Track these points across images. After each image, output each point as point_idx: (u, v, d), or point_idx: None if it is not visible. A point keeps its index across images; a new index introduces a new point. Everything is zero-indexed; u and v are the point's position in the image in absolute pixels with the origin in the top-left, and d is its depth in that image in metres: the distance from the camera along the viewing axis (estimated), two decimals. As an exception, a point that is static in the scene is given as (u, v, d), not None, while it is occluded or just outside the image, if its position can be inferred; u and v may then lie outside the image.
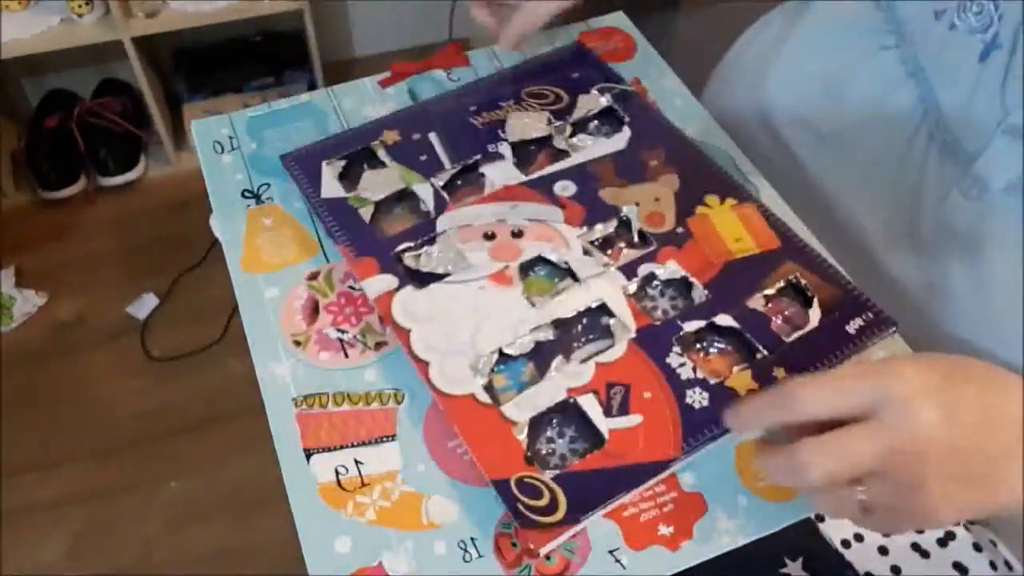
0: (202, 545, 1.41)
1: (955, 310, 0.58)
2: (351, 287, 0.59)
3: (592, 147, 0.65)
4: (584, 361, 0.53)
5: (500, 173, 0.63)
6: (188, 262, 1.75)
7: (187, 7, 1.69)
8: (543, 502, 0.47)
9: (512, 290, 0.56)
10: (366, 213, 0.61)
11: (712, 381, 0.51)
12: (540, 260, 0.58)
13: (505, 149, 0.64)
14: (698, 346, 0.55)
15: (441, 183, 0.63)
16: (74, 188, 1.86)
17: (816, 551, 0.54)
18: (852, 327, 0.53)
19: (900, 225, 0.61)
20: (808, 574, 0.53)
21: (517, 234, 0.59)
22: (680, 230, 0.59)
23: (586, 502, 0.47)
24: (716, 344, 0.55)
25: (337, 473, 0.50)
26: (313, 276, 0.60)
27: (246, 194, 0.65)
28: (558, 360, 0.53)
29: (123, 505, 1.46)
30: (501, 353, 0.53)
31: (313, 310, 0.58)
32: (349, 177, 0.64)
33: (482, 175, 0.64)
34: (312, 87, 1.96)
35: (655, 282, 0.58)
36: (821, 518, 0.57)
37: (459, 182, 0.64)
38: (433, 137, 0.65)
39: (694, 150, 0.65)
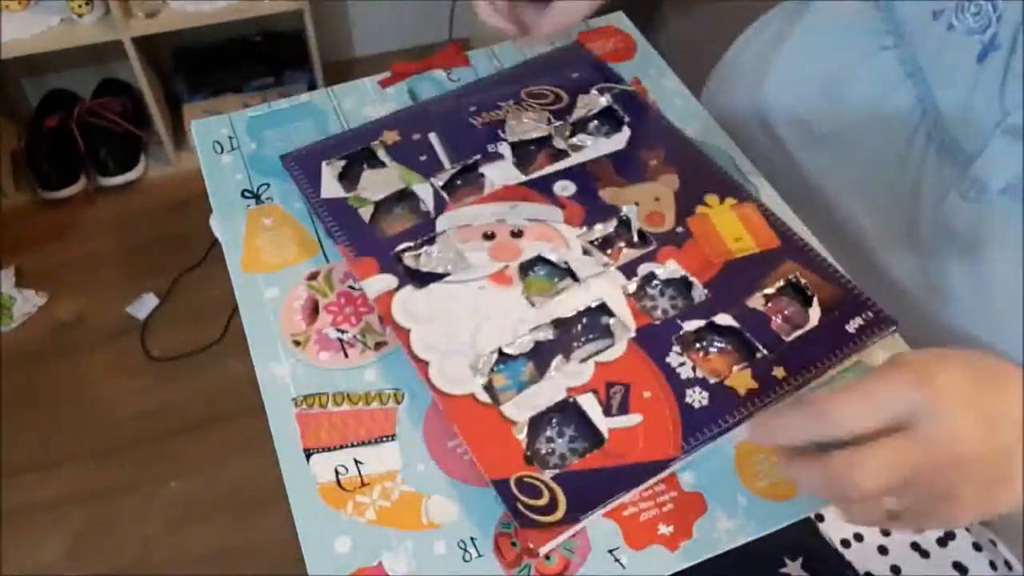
0: (202, 545, 1.41)
1: (954, 310, 0.58)
2: (351, 287, 0.59)
3: (592, 147, 0.65)
4: (584, 361, 0.53)
5: (500, 173, 0.63)
6: (188, 262, 1.75)
7: (187, 7, 1.69)
8: (543, 502, 0.47)
9: (512, 290, 0.56)
10: (366, 213, 0.61)
11: (712, 380, 0.51)
12: (540, 260, 0.58)
13: (505, 149, 0.64)
14: (698, 345, 0.55)
15: (441, 183, 0.63)
16: (74, 188, 1.86)
17: (816, 551, 0.54)
18: (852, 326, 0.53)
19: (899, 225, 0.61)
20: (808, 574, 0.53)
21: (517, 234, 0.59)
22: (680, 230, 0.59)
23: (586, 502, 0.47)
24: (716, 343, 0.55)
25: (337, 473, 0.50)
26: (313, 276, 0.60)
27: (246, 194, 0.65)
28: (558, 360, 0.53)
29: (123, 505, 1.46)
30: (501, 353, 0.53)
31: (313, 310, 0.58)
32: (349, 177, 0.64)
33: (482, 175, 0.64)
34: (312, 87, 1.96)
35: (655, 282, 0.58)
36: (821, 518, 0.57)
37: (459, 182, 0.64)
38: (433, 137, 0.65)
39: (694, 150, 0.65)
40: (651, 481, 0.48)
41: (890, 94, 0.59)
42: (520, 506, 0.46)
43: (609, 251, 0.59)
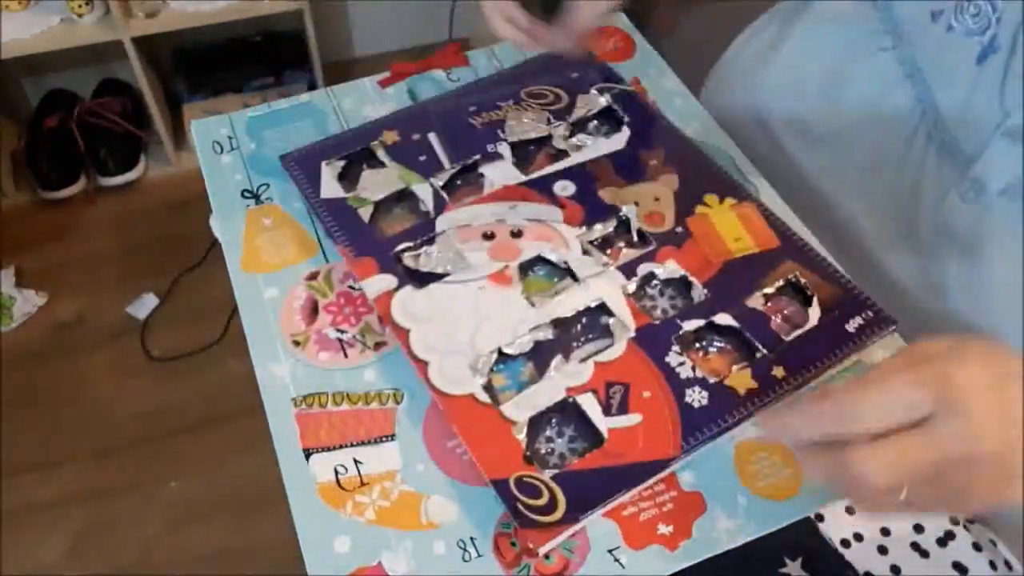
0: (202, 545, 1.41)
1: (954, 310, 0.58)
2: (350, 287, 0.59)
3: (591, 147, 0.65)
4: (583, 360, 0.53)
5: (499, 173, 0.63)
6: (188, 262, 1.75)
7: (187, 7, 1.69)
8: (542, 501, 0.47)
9: (511, 290, 0.56)
10: (365, 213, 0.61)
11: (711, 380, 0.51)
12: (539, 260, 0.58)
13: (504, 149, 0.64)
14: (697, 345, 0.55)
15: (440, 183, 0.63)
16: (74, 188, 1.86)
17: (816, 551, 0.54)
18: (852, 326, 0.53)
19: (898, 225, 0.61)
20: (808, 574, 0.53)
21: (516, 234, 0.59)
22: (679, 229, 0.59)
23: (585, 501, 0.47)
24: (715, 343, 0.55)
25: (336, 473, 0.50)
26: (312, 276, 0.60)
27: (246, 194, 0.65)
28: (557, 360, 0.53)
29: (123, 505, 1.46)
30: (500, 353, 0.53)
31: (312, 310, 0.58)
32: (348, 177, 0.64)
33: (481, 175, 0.64)
34: (312, 87, 1.96)
35: (654, 281, 0.58)
36: (821, 518, 0.57)
37: (458, 182, 0.64)
38: (432, 137, 0.65)
39: (693, 150, 0.65)
40: (651, 481, 0.48)
41: (889, 94, 0.59)
42: (520, 506, 0.46)
43: (609, 251, 0.59)
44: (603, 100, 0.68)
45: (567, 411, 0.51)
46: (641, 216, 0.60)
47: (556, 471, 0.48)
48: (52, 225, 1.85)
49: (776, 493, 0.49)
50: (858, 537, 0.54)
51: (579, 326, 0.55)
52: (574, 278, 0.57)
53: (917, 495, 0.39)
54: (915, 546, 0.54)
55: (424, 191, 0.62)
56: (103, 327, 1.69)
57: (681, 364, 0.52)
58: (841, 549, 0.54)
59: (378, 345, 0.56)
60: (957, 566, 0.54)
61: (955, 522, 0.56)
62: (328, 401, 0.53)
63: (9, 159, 1.90)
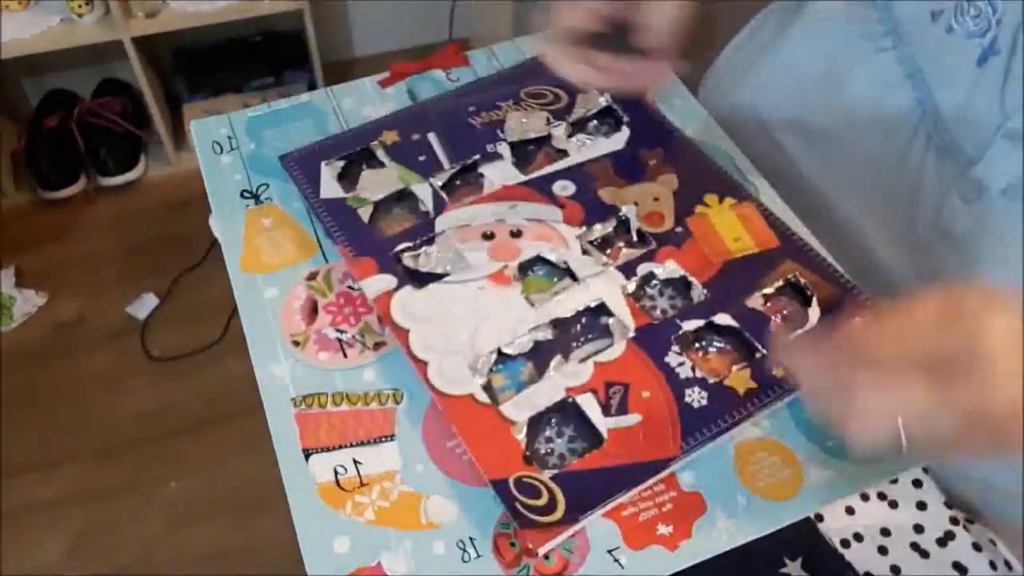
0: (202, 545, 1.41)
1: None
2: (350, 287, 0.59)
3: (591, 147, 0.65)
4: (583, 361, 0.53)
5: (499, 173, 0.63)
6: (188, 262, 1.75)
7: (187, 7, 1.69)
8: (542, 502, 0.47)
9: (511, 290, 0.56)
10: (365, 213, 0.61)
11: (711, 380, 0.51)
12: (539, 260, 0.58)
13: (504, 149, 0.64)
14: (697, 345, 0.54)
15: (440, 183, 0.63)
16: (74, 188, 1.86)
17: (816, 551, 0.54)
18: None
19: (898, 225, 0.61)
20: (808, 574, 0.53)
21: (516, 234, 0.59)
22: (679, 229, 0.59)
23: (585, 502, 0.47)
24: (715, 343, 0.55)
25: (336, 473, 0.50)
26: (312, 276, 0.60)
27: (245, 194, 0.65)
28: (557, 360, 0.53)
29: (123, 505, 1.46)
30: (500, 353, 0.53)
31: (312, 310, 0.58)
32: (348, 177, 0.64)
33: (481, 175, 0.64)
34: (312, 87, 1.96)
35: (654, 281, 0.58)
36: (821, 518, 0.57)
37: (458, 182, 0.64)
38: (432, 137, 0.65)
39: (693, 150, 0.65)
40: (650, 481, 0.48)
41: (889, 95, 0.59)
42: (519, 506, 0.46)
43: (608, 251, 0.59)
44: (603, 100, 0.68)
45: (567, 411, 0.51)
46: (641, 216, 0.60)
47: (555, 471, 0.48)
48: (52, 225, 1.85)
49: (776, 493, 0.49)
50: (858, 537, 0.54)
51: (579, 326, 0.55)
52: (574, 278, 0.57)
53: (916, 444, 0.38)
54: (915, 546, 0.54)
55: (424, 191, 0.62)
56: (103, 327, 1.69)
57: (681, 364, 0.52)
58: (841, 549, 0.54)
59: (378, 345, 0.56)
60: (957, 566, 0.54)
61: (955, 522, 0.56)
62: (328, 401, 0.53)
63: (9, 159, 1.90)
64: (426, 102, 0.69)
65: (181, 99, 1.95)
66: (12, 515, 1.44)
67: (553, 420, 0.51)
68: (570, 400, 0.51)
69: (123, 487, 1.48)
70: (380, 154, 0.65)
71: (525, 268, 0.58)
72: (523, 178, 0.63)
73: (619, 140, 0.65)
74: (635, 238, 0.60)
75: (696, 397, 0.51)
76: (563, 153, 0.65)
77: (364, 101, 0.71)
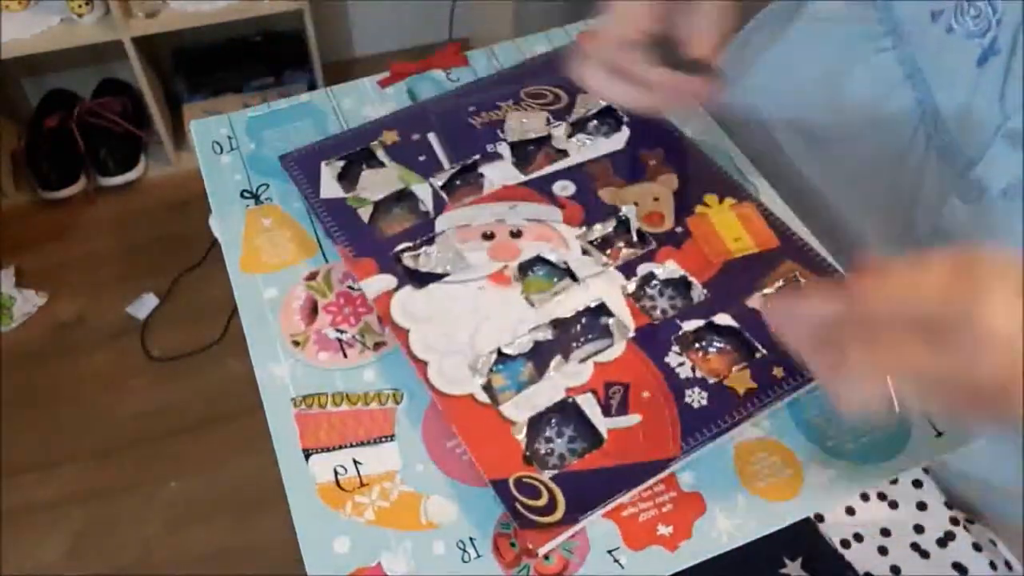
0: (202, 545, 1.41)
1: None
2: (350, 287, 0.59)
3: (591, 147, 0.65)
4: (583, 361, 0.53)
5: (499, 173, 0.63)
6: (188, 262, 1.75)
7: (187, 7, 1.69)
8: (542, 502, 0.47)
9: (511, 290, 0.56)
10: (365, 213, 0.61)
11: (711, 380, 0.51)
12: (539, 260, 0.58)
13: (504, 149, 0.64)
14: (697, 345, 0.54)
15: (440, 183, 0.63)
16: (74, 188, 1.86)
17: (816, 551, 0.54)
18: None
19: (898, 226, 0.61)
20: (808, 574, 0.53)
21: (516, 234, 0.59)
22: (679, 229, 0.59)
23: (585, 502, 0.47)
24: (715, 343, 0.55)
25: (336, 473, 0.50)
26: (312, 276, 0.60)
27: (245, 194, 0.65)
28: (557, 360, 0.53)
29: (123, 505, 1.46)
30: (500, 353, 0.53)
31: (312, 310, 0.58)
32: (348, 177, 0.64)
33: (481, 175, 0.64)
34: (312, 87, 1.96)
35: (654, 281, 0.58)
36: (821, 518, 0.57)
37: (458, 182, 0.64)
38: (432, 137, 0.65)
39: (693, 149, 0.65)
40: (650, 481, 0.48)
41: (889, 96, 0.59)
42: (519, 506, 0.46)
43: (608, 251, 0.59)
44: (603, 100, 0.68)
45: (566, 411, 0.51)
46: (641, 216, 0.60)
47: (555, 471, 0.48)
48: (52, 225, 1.85)
49: (776, 493, 0.49)
50: (858, 537, 0.54)
51: (579, 326, 0.55)
52: (574, 278, 0.57)
53: (905, 404, 0.37)
54: (915, 546, 0.54)
55: (424, 191, 0.62)
56: (103, 327, 1.69)
57: (681, 364, 0.52)
58: (841, 549, 0.54)
59: (378, 345, 0.56)
60: (957, 566, 0.54)
61: (955, 522, 0.56)
62: (328, 401, 0.53)
63: (9, 159, 1.90)
64: (426, 102, 0.69)
65: (181, 99, 1.95)
66: (12, 515, 1.44)
67: (553, 420, 0.51)
68: (570, 400, 0.51)
69: (123, 487, 1.48)
70: (380, 154, 0.65)
71: (525, 268, 0.58)
72: (523, 178, 0.63)
73: (619, 140, 0.65)
74: (635, 238, 0.60)
75: (696, 397, 0.51)
76: (563, 153, 0.65)
77: (364, 101, 0.71)
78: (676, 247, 0.58)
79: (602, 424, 0.50)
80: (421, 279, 0.57)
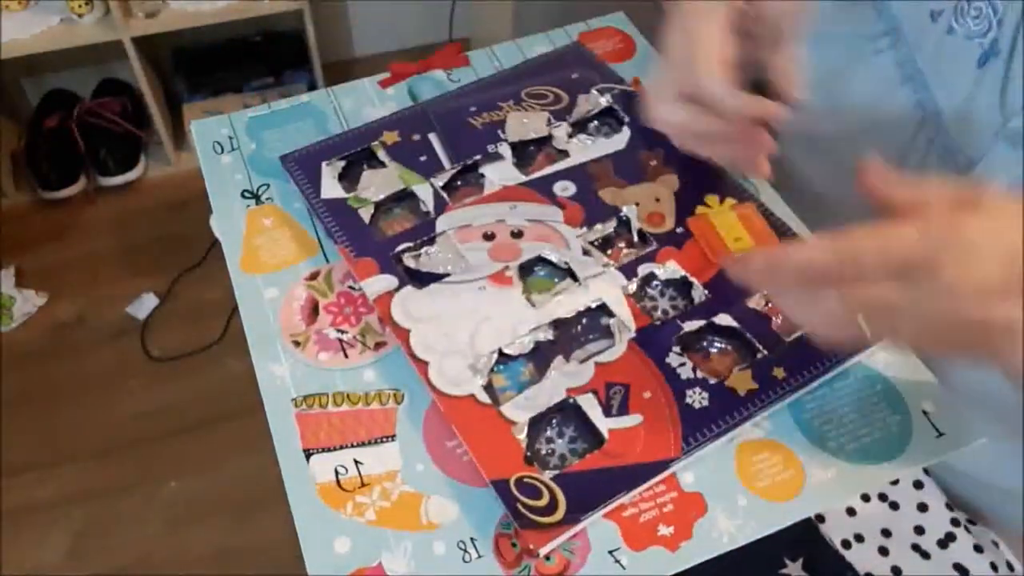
0: (202, 545, 1.41)
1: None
2: (351, 287, 0.59)
3: (592, 147, 0.65)
4: (584, 361, 0.53)
5: (500, 173, 0.63)
6: (188, 262, 1.75)
7: (187, 7, 1.69)
8: (543, 502, 0.47)
9: (512, 290, 0.56)
10: (366, 214, 0.61)
11: (712, 381, 0.51)
12: (540, 260, 0.58)
13: (505, 149, 0.64)
14: (698, 346, 0.54)
15: (441, 183, 0.63)
16: (74, 188, 1.86)
17: (816, 551, 0.54)
18: (852, 327, 0.53)
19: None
20: (808, 574, 0.53)
21: (517, 234, 0.59)
22: (680, 230, 0.59)
23: (586, 502, 0.47)
24: (716, 344, 0.55)
25: (337, 473, 0.50)
26: (312, 276, 0.60)
27: (246, 194, 0.65)
28: (558, 360, 0.53)
29: (123, 505, 1.46)
30: (501, 353, 0.53)
31: (312, 310, 0.58)
32: (349, 178, 0.64)
33: (482, 175, 0.64)
34: (312, 87, 1.96)
35: (655, 282, 0.58)
36: (821, 518, 0.57)
37: (459, 182, 0.64)
38: (433, 138, 0.65)
39: (694, 150, 0.65)
40: (651, 482, 0.48)
41: (889, 97, 0.59)
42: (520, 507, 0.46)
43: (609, 251, 0.59)
44: (603, 100, 0.68)
45: (567, 412, 0.51)
46: (641, 216, 0.60)
47: (556, 472, 0.48)
48: (52, 225, 1.85)
49: (777, 494, 0.49)
50: (859, 538, 0.54)
51: (579, 327, 0.55)
52: (574, 279, 0.57)
53: (879, 338, 0.39)
54: (916, 547, 0.54)
55: (424, 191, 0.62)
56: (103, 327, 1.69)
57: (682, 365, 0.52)
58: (842, 550, 0.54)
59: (378, 345, 0.56)
60: (958, 567, 0.54)
61: (956, 523, 0.56)
62: (328, 402, 0.53)
63: (9, 159, 1.90)
64: (427, 102, 0.69)
65: (181, 99, 1.96)
66: (12, 515, 1.44)
67: (554, 420, 0.51)
68: (571, 401, 0.51)
69: (123, 487, 1.48)
70: (381, 154, 0.65)
71: (526, 268, 0.58)
72: (524, 178, 0.63)
73: (620, 141, 0.65)
74: (636, 238, 0.60)
75: (697, 398, 0.51)
76: (564, 154, 0.65)
77: (364, 101, 0.71)
78: (677, 247, 0.58)
79: (603, 424, 0.50)
80: (422, 279, 0.57)
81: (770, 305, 0.56)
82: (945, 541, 0.55)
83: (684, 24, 0.51)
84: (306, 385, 0.54)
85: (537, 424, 0.50)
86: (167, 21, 1.70)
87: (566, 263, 0.58)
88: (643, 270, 0.57)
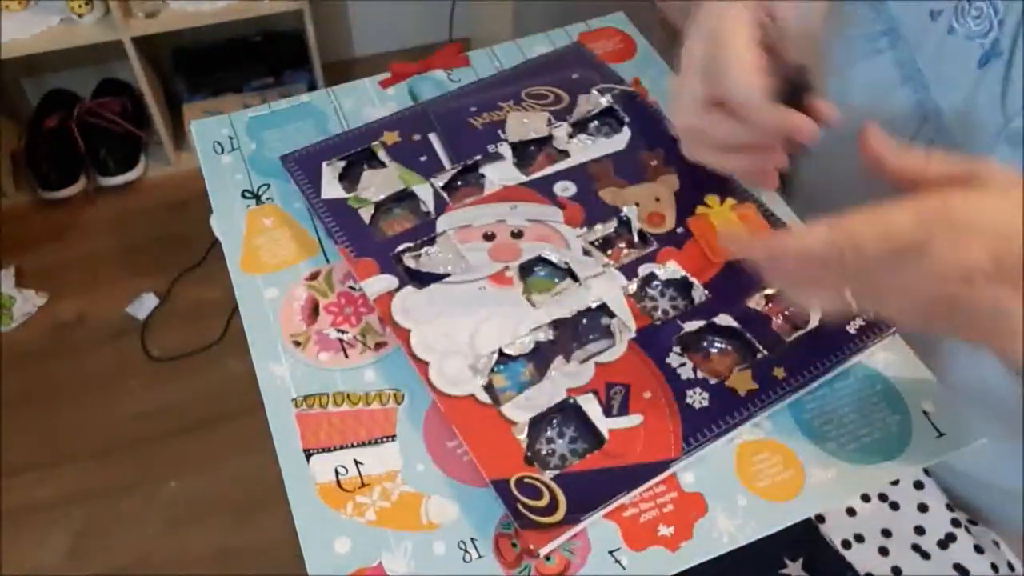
0: (202, 545, 1.41)
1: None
2: (351, 287, 0.59)
3: (592, 147, 0.65)
4: (584, 361, 0.53)
5: (500, 174, 0.63)
6: (188, 262, 1.75)
7: (187, 7, 1.69)
8: (543, 502, 0.47)
9: (512, 290, 0.56)
10: (366, 214, 0.61)
11: (712, 381, 0.51)
12: (540, 260, 0.58)
13: (505, 150, 0.64)
14: (698, 346, 0.54)
15: (441, 184, 0.63)
16: (74, 188, 1.86)
17: (816, 551, 0.54)
18: (852, 327, 0.53)
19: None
20: (808, 574, 0.53)
21: (517, 234, 0.59)
22: (680, 230, 0.59)
23: (586, 502, 0.47)
24: (716, 344, 0.55)
25: (337, 473, 0.50)
26: (313, 276, 0.60)
27: (246, 194, 0.65)
28: (558, 360, 0.53)
29: (123, 505, 1.46)
30: (501, 353, 0.53)
31: (313, 310, 0.58)
32: (349, 178, 0.64)
33: (482, 176, 0.64)
34: (312, 87, 1.96)
35: (655, 282, 0.58)
36: (821, 519, 0.57)
37: (459, 183, 0.64)
38: (433, 138, 0.65)
39: (694, 150, 0.65)
40: (651, 482, 0.48)
41: (889, 97, 0.59)
42: (520, 507, 0.46)
43: (609, 251, 0.59)
44: (604, 100, 0.68)
45: (567, 412, 0.51)
46: (642, 216, 0.60)
47: (557, 472, 0.48)
48: (52, 225, 1.85)
49: (777, 494, 0.49)
50: (859, 538, 0.54)
51: (580, 327, 0.55)
52: (575, 279, 0.57)
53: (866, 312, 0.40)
54: (916, 548, 0.54)
55: (425, 191, 0.62)
56: (103, 327, 1.69)
57: (682, 365, 0.52)
58: (842, 550, 0.54)
59: (378, 345, 0.56)
60: (958, 568, 0.54)
61: (956, 524, 0.56)
62: (328, 401, 0.53)
63: (9, 159, 1.90)
64: (427, 103, 0.69)
65: (181, 99, 1.95)
66: (12, 515, 1.44)
67: (554, 421, 0.51)
68: (571, 401, 0.51)
69: (123, 487, 1.48)
70: (381, 154, 0.65)
71: (526, 269, 0.58)
72: (524, 179, 0.63)
73: (620, 141, 0.65)
74: (636, 239, 0.60)
75: (697, 398, 0.51)
76: (564, 154, 0.65)
77: (365, 101, 0.71)
78: (677, 247, 0.58)
79: (603, 424, 0.50)
80: (422, 279, 0.57)
81: (770, 305, 0.56)
82: (945, 542, 0.55)
83: (709, 24, 0.49)
84: (306, 385, 0.54)
85: (537, 424, 0.50)
86: (167, 21, 1.70)
87: (566, 263, 0.58)
88: (643, 270, 0.57)
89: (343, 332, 0.56)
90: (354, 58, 2.15)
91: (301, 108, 0.71)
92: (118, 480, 1.49)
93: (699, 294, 0.56)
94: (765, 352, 0.53)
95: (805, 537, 0.55)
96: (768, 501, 0.49)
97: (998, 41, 0.50)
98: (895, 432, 0.51)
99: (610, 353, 0.53)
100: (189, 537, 1.42)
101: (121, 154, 1.89)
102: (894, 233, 0.37)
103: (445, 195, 0.62)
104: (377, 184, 0.63)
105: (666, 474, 0.49)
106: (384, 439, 0.52)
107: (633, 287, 0.57)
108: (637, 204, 0.61)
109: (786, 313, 0.55)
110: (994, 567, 0.54)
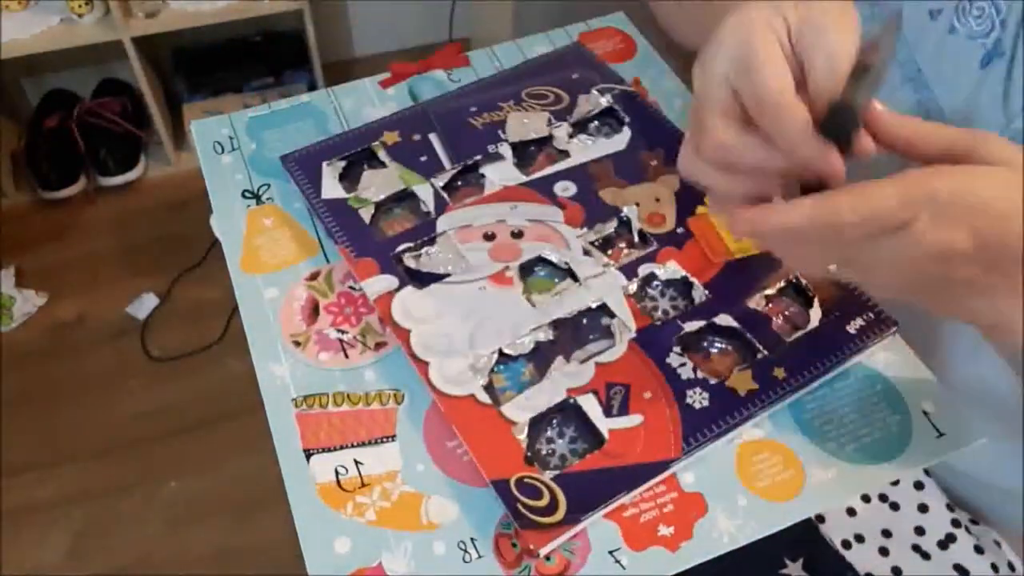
0: (202, 545, 1.41)
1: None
2: (351, 287, 0.59)
3: (592, 147, 0.65)
4: (584, 361, 0.53)
5: (500, 174, 0.63)
6: (188, 262, 1.75)
7: (187, 7, 1.69)
8: (543, 502, 0.47)
9: (512, 290, 0.56)
10: (366, 214, 0.61)
11: (712, 381, 0.51)
12: (540, 260, 0.58)
13: (505, 150, 0.64)
14: (698, 346, 0.54)
15: (441, 184, 0.63)
16: (74, 188, 1.86)
17: (816, 551, 0.54)
18: (853, 327, 0.53)
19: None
20: (808, 574, 0.53)
21: (517, 234, 0.59)
22: (680, 230, 0.59)
23: (586, 502, 0.47)
24: (716, 344, 0.55)
25: (337, 473, 0.50)
26: (313, 276, 0.60)
27: (246, 194, 0.65)
28: (558, 360, 0.53)
29: (123, 505, 1.46)
30: (501, 353, 0.53)
31: (313, 310, 0.58)
32: (349, 178, 0.64)
33: (482, 176, 0.64)
34: (312, 87, 1.96)
35: (655, 282, 0.58)
36: (821, 519, 0.57)
37: (459, 183, 0.64)
38: (433, 138, 0.65)
39: (694, 150, 0.65)
40: (651, 482, 0.48)
41: (888, 97, 0.59)
42: (520, 507, 0.46)
43: (609, 252, 0.59)
44: (604, 100, 0.68)
45: (568, 412, 0.51)
46: (642, 217, 0.60)
47: (557, 472, 0.48)
48: (52, 225, 1.85)
49: (777, 494, 0.49)
50: (859, 538, 0.54)
51: (580, 327, 0.55)
52: (575, 279, 0.57)
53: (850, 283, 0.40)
54: (916, 548, 0.54)
55: (425, 192, 0.62)
56: (103, 327, 1.69)
57: (682, 365, 0.52)
58: (842, 550, 0.54)
59: (378, 345, 0.56)
60: (958, 568, 0.54)
61: (957, 524, 0.56)
62: (328, 401, 0.53)
63: (9, 159, 1.90)
64: (427, 103, 0.69)
65: (181, 99, 1.95)
66: (12, 515, 1.44)
67: (554, 421, 0.51)
68: (571, 401, 0.51)
69: (123, 487, 1.48)
70: (381, 154, 0.65)
71: (526, 269, 0.58)
72: (524, 179, 0.63)
73: (620, 141, 0.65)
74: (636, 239, 0.60)
75: (697, 398, 0.51)
76: (564, 154, 0.65)
77: (365, 101, 0.71)
78: (677, 248, 0.58)
79: (603, 425, 0.50)
80: (422, 279, 0.57)
81: (770, 305, 0.56)
82: (945, 542, 0.55)
83: (737, 37, 0.43)
84: (306, 385, 0.54)
85: (537, 424, 0.50)
86: (167, 21, 1.70)
87: (566, 263, 0.58)
88: (643, 270, 0.57)
89: (343, 332, 0.56)
90: (354, 58, 2.14)
91: (301, 108, 0.71)
92: (118, 480, 1.48)
93: (699, 294, 0.56)
94: (765, 352, 0.53)
95: (805, 537, 0.55)
96: (768, 501, 0.49)
97: (1000, 41, 0.50)
98: (895, 432, 0.51)
99: (610, 353, 0.53)
100: (189, 537, 1.42)
101: (121, 154, 1.89)
102: (878, 211, 0.37)
103: (445, 195, 0.62)
104: (377, 184, 0.63)
105: (666, 474, 0.49)
106: (384, 439, 0.52)
107: (633, 287, 0.57)
108: (637, 204, 0.61)
109: (786, 313, 0.55)
110: (994, 567, 0.54)
